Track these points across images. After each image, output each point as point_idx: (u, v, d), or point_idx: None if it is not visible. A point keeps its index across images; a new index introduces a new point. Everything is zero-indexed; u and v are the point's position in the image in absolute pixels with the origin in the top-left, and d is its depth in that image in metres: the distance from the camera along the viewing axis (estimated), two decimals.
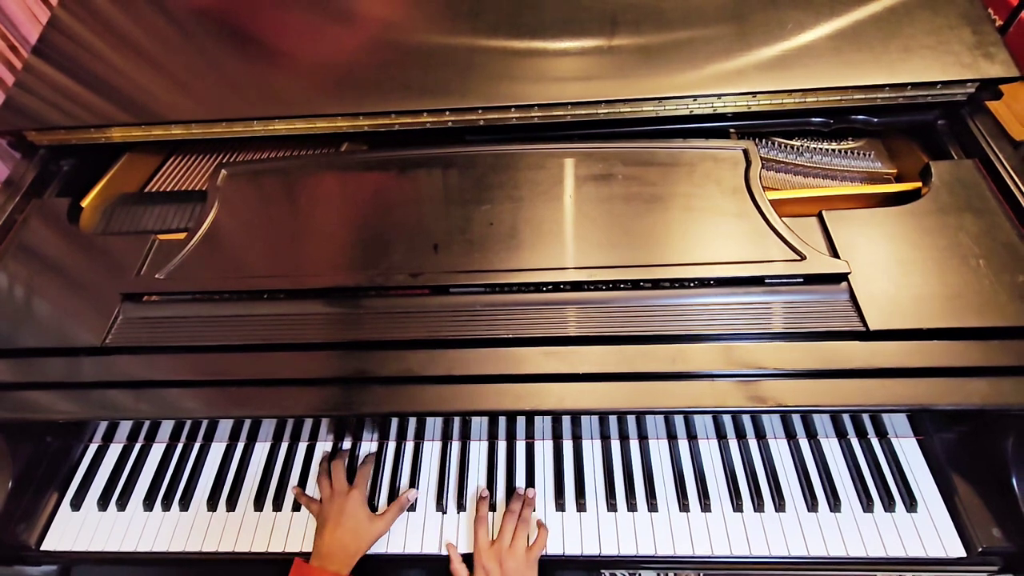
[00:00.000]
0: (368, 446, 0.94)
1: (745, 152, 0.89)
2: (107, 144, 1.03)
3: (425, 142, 0.97)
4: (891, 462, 0.86)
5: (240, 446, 0.95)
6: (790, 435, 0.89)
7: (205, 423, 0.92)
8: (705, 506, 0.84)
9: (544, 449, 0.91)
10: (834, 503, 0.83)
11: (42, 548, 0.87)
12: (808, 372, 0.74)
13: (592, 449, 0.91)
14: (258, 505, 0.89)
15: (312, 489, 0.90)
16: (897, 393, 0.72)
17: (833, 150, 1.02)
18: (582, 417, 0.87)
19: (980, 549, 0.78)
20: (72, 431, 0.95)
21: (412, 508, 0.87)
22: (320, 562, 0.79)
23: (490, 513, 0.86)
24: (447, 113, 0.95)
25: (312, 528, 0.86)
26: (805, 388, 0.74)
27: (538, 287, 0.82)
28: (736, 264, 0.80)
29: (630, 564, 0.81)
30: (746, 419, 0.87)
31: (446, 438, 0.93)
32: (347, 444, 0.94)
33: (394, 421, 0.91)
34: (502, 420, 0.89)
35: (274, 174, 0.96)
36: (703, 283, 0.81)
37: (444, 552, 0.83)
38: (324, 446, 0.94)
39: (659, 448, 0.90)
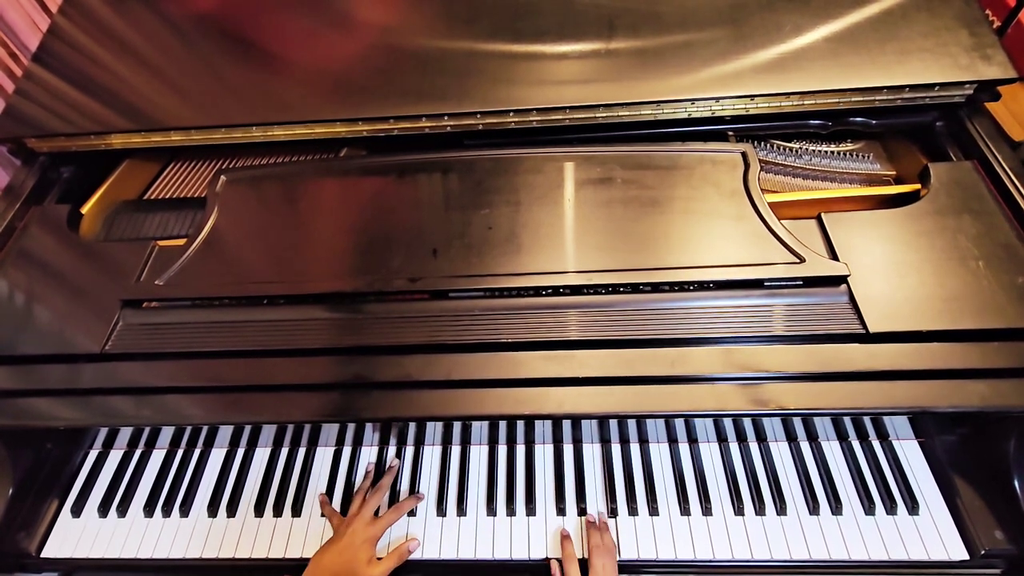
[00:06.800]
0: (368, 451, 0.94)
1: (743, 155, 0.89)
2: (107, 151, 1.03)
3: (424, 147, 0.97)
4: (892, 464, 0.86)
5: (240, 452, 0.95)
6: (791, 438, 0.89)
7: (205, 429, 0.92)
8: (706, 509, 0.84)
9: (544, 453, 0.91)
10: (836, 506, 0.82)
11: (42, 555, 0.87)
12: (808, 375, 0.74)
13: (592, 453, 0.91)
14: (258, 511, 0.88)
15: (312, 495, 0.90)
16: (897, 395, 0.72)
17: (832, 152, 1.02)
18: (582, 421, 0.87)
19: (983, 552, 0.77)
20: (72, 438, 0.94)
21: (412, 513, 0.87)
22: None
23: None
24: (446, 118, 0.95)
25: (314, 535, 0.86)
26: (806, 391, 0.74)
27: (537, 291, 0.82)
28: (735, 267, 0.80)
29: (631, 568, 0.80)
30: (747, 422, 0.87)
31: (446, 443, 0.93)
32: (347, 450, 0.94)
33: (394, 426, 0.91)
34: (502, 425, 0.89)
35: (273, 180, 0.96)
36: (702, 286, 0.81)
37: (446, 557, 0.83)
38: (325, 452, 0.94)
39: (660, 452, 0.90)
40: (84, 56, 1.06)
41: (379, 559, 0.81)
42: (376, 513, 0.85)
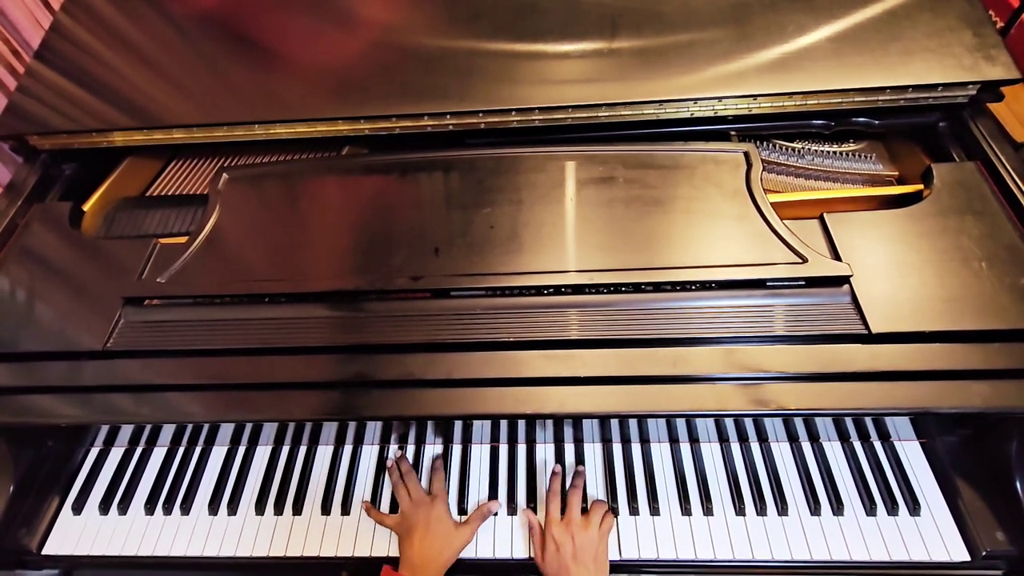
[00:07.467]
0: (369, 450, 0.94)
1: (746, 154, 0.89)
2: (109, 148, 1.03)
3: (426, 145, 0.97)
4: (894, 465, 0.86)
5: (241, 450, 0.95)
6: (792, 438, 0.89)
7: (206, 427, 0.92)
8: (707, 510, 0.84)
9: (546, 453, 0.91)
10: (837, 506, 0.82)
11: (43, 552, 0.87)
12: (810, 375, 0.74)
13: (594, 453, 0.90)
14: (259, 509, 0.88)
15: (312, 494, 0.90)
16: (899, 396, 0.72)
17: (834, 152, 1.02)
18: (583, 420, 0.87)
19: (984, 553, 0.77)
20: (74, 435, 0.94)
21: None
22: (412, 572, 0.77)
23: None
24: (448, 116, 0.95)
25: (315, 533, 0.86)
26: (807, 391, 0.74)
27: (539, 290, 0.82)
28: (737, 267, 0.80)
29: (632, 568, 0.81)
30: (748, 422, 0.87)
31: (447, 442, 0.93)
32: (348, 448, 0.94)
33: (395, 425, 0.91)
34: (503, 424, 0.89)
35: (275, 178, 0.96)
36: (704, 286, 0.81)
37: None
38: (325, 450, 0.94)
39: (661, 452, 0.89)
40: (86, 53, 1.06)
41: (464, 523, 0.83)
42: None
